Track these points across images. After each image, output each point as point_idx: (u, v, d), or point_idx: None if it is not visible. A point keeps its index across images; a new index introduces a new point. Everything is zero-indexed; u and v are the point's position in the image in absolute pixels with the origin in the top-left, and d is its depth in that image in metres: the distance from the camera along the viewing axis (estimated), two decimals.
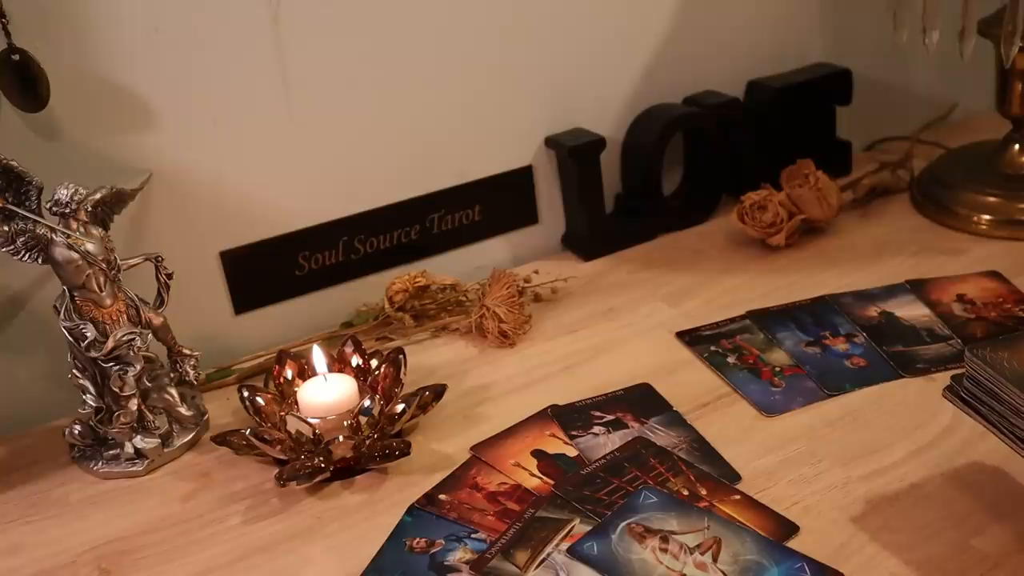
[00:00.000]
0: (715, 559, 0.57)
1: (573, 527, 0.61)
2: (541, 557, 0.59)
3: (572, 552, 0.58)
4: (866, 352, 0.76)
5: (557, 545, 0.60)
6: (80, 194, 0.67)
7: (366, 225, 0.88)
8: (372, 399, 0.69)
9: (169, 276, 0.73)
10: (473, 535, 0.61)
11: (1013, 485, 0.61)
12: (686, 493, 0.63)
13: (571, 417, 0.71)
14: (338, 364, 0.75)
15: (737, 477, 0.64)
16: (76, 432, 0.72)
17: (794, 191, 0.92)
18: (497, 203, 0.94)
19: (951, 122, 1.16)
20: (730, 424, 0.69)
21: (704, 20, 0.98)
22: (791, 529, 0.59)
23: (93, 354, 0.69)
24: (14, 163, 0.66)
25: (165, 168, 0.78)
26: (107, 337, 0.69)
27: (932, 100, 1.16)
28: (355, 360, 0.76)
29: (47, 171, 0.68)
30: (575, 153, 0.92)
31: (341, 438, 0.66)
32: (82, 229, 0.68)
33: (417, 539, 0.62)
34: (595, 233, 0.95)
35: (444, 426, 0.73)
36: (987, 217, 0.92)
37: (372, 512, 0.65)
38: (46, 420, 0.78)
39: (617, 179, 1.00)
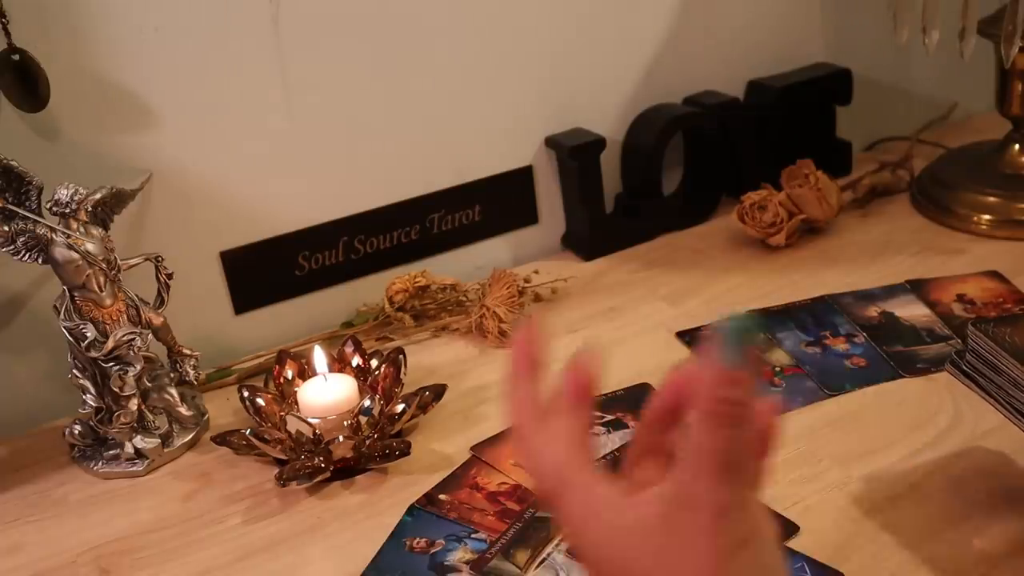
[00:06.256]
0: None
1: None
2: (541, 557, 0.59)
3: (572, 552, 0.58)
4: (866, 352, 0.76)
5: (557, 545, 0.60)
6: (80, 194, 0.67)
7: (366, 225, 0.88)
8: (372, 399, 0.69)
9: (169, 276, 0.73)
10: (473, 535, 0.61)
11: (1013, 485, 0.61)
12: None
13: None
14: (338, 364, 0.75)
15: None
16: (76, 432, 0.72)
17: (794, 191, 0.92)
18: (497, 203, 0.94)
19: (951, 122, 1.16)
20: None
21: (704, 20, 0.98)
22: (791, 529, 0.59)
23: (93, 354, 0.69)
24: (14, 163, 0.66)
25: (165, 168, 0.78)
26: (107, 337, 0.69)
27: (932, 100, 1.16)
28: (355, 360, 0.76)
29: (47, 171, 0.68)
30: (575, 153, 0.92)
31: (341, 438, 0.66)
32: (82, 229, 0.68)
33: (417, 539, 0.62)
34: (595, 233, 0.95)
35: (444, 426, 0.73)
36: (987, 217, 0.92)
37: (372, 512, 0.65)
38: (46, 420, 0.78)
39: (617, 179, 1.00)
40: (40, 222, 0.67)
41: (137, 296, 0.72)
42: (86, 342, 0.69)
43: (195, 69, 0.77)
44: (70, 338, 0.69)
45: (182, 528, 0.65)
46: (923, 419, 0.68)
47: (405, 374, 0.74)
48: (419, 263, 0.91)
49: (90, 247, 0.67)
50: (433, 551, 0.60)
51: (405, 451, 0.67)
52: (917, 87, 1.15)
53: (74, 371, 0.71)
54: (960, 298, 0.81)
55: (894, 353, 0.75)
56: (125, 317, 0.71)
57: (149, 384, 0.74)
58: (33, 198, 0.68)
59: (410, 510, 0.64)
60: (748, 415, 0.33)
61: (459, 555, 0.60)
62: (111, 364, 0.70)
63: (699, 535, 0.34)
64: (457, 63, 0.88)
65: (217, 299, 0.84)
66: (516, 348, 0.40)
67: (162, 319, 0.73)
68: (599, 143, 0.92)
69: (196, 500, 0.68)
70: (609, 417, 0.71)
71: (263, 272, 0.85)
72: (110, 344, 0.69)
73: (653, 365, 0.77)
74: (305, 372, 0.75)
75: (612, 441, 0.68)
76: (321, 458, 0.66)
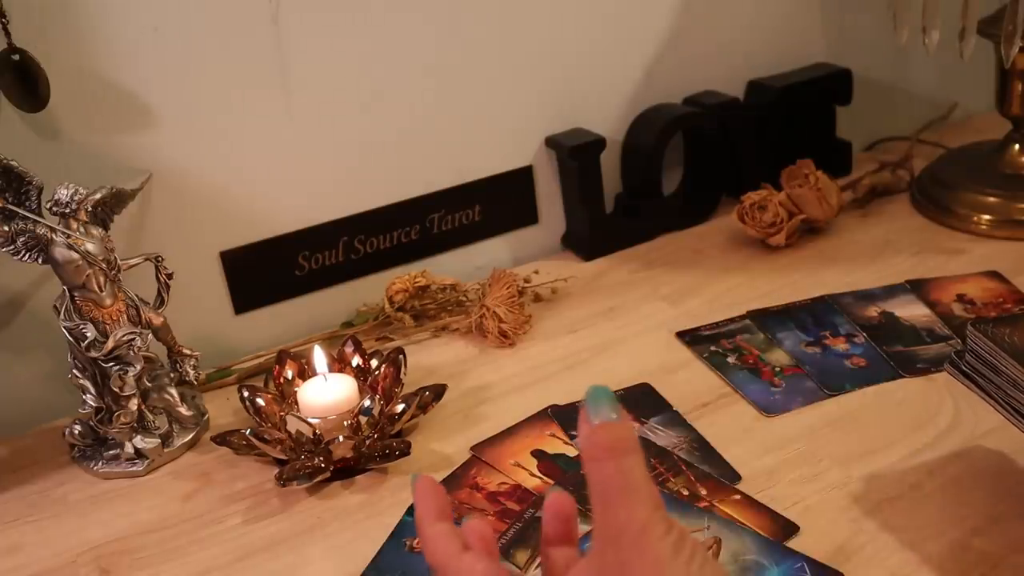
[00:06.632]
0: (715, 559, 0.57)
1: None
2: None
3: None
4: (866, 352, 0.76)
5: None
6: (80, 194, 0.67)
7: (366, 225, 0.88)
8: (372, 399, 0.69)
9: (169, 276, 0.73)
10: None
11: (1013, 485, 0.61)
12: (686, 493, 0.63)
13: (571, 417, 0.71)
14: (338, 364, 0.75)
15: (737, 477, 0.64)
16: (76, 432, 0.72)
17: (794, 191, 0.92)
18: (497, 203, 0.94)
19: (951, 122, 1.16)
20: (730, 424, 0.69)
21: (704, 20, 0.98)
22: (791, 529, 0.59)
23: (93, 354, 0.69)
24: (14, 163, 0.66)
25: (165, 168, 0.78)
26: (107, 337, 0.69)
27: (932, 100, 1.16)
28: (355, 360, 0.76)
29: (47, 171, 0.68)
30: (575, 153, 0.92)
31: (341, 438, 0.66)
32: (82, 229, 0.68)
33: (417, 539, 0.61)
34: (595, 233, 0.95)
35: (444, 426, 0.73)
36: (987, 217, 0.92)
37: (372, 512, 0.65)
38: (46, 420, 0.78)
39: (617, 179, 1.00)
40: (40, 222, 0.67)
41: (137, 296, 0.72)
42: (86, 342, 0.69)
43: (195, 69, 0.77)
44: (70, 338, 0.69)
45: (182, 528, 0.65)
46: (923, 419, 0.68)
47: (405, 374, 0.74)
48: (419, 263, 0.91)
49: (90, 247, 0.67)
50: None
51: (405, 451, 0.67)
52: (917, 87, 1.15)
53: (74, 371, 0.71)
54: (960, 298, 0.81)
55: (894, 353, 0.75)
56: (125, 317, 0.71)
57: (149, 384, 0.74)
58: (33, 198, 0.68)
59: (410, 510, 0.64)
60: (625, 449, 0.38)
61: None
62: (111, 364, 0.70)
63: (634, 554, 0.37)
64: (458, 63, 0.88)
65: (217, 299, 0.84)
66: (419, 497, 0.44)
67: (162, 319, 0.73)
68: (599, 143, 0.92)
69: (196, 500, 0.68)
70: None
71: (263, 272, 0.85)
72: (110, 344, 0.69)
73: (654, 365, 0.77)
74: (305, 372, 0.75)
75: None
76: (321, 458, 0.66)
